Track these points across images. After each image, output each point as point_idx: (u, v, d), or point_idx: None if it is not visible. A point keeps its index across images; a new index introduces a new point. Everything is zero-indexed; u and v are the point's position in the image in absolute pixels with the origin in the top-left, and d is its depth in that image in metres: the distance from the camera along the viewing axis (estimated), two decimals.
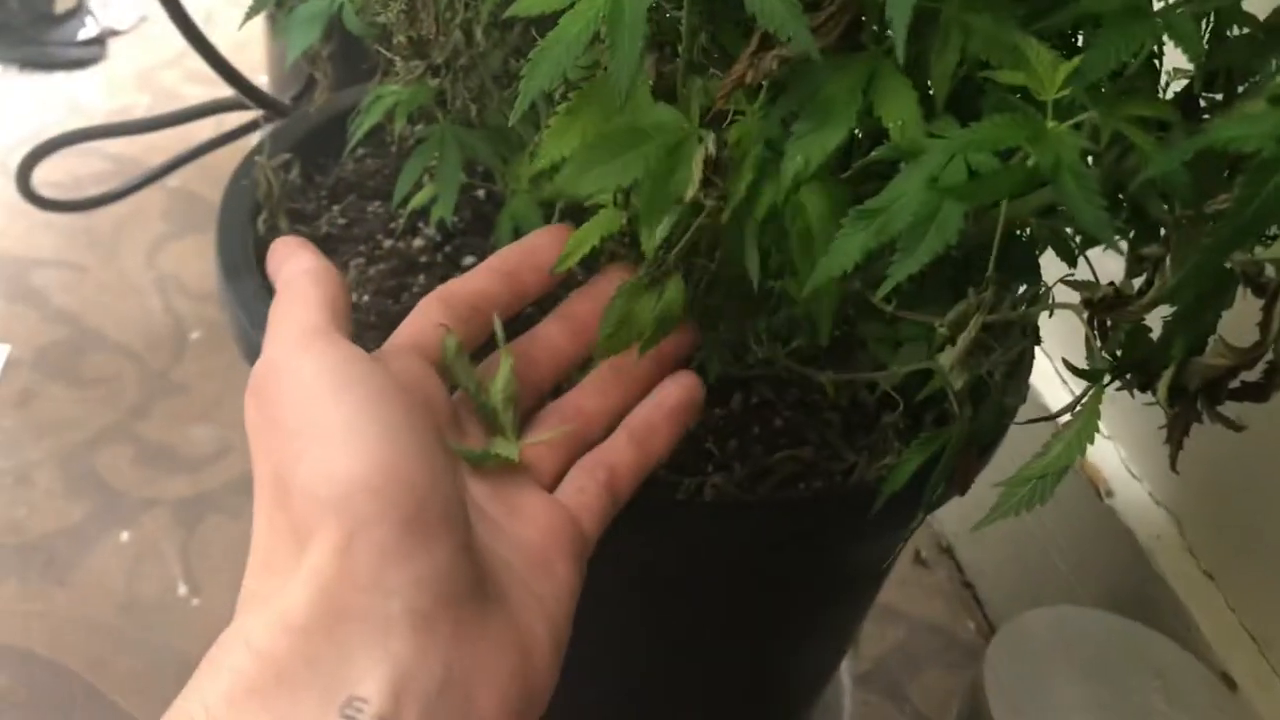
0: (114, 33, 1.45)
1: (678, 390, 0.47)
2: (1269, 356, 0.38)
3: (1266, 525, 0.76)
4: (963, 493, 0.48)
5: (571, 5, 0.40)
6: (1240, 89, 0.41)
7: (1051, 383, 0.88)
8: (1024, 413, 0.51)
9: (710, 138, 0.41)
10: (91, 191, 1.18)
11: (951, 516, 1.04)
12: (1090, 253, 0.46)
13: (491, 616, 0.36)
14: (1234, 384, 0.40)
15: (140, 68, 1.43)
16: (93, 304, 1.09)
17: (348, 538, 0.33)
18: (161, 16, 0.75)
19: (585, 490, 0.44)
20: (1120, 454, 0.86)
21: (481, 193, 0.70)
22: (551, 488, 0.44)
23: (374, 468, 0.33)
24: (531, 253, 0.48)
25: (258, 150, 0.66)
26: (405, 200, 0.59)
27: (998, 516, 0.43)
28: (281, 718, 0.30)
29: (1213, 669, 0.74)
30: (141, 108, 1.37)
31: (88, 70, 1.41)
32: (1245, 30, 0.40)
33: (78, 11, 1.40)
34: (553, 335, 0.47)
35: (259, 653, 0.31)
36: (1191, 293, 0.34)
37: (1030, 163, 0.33)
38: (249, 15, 0.55)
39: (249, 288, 0.58)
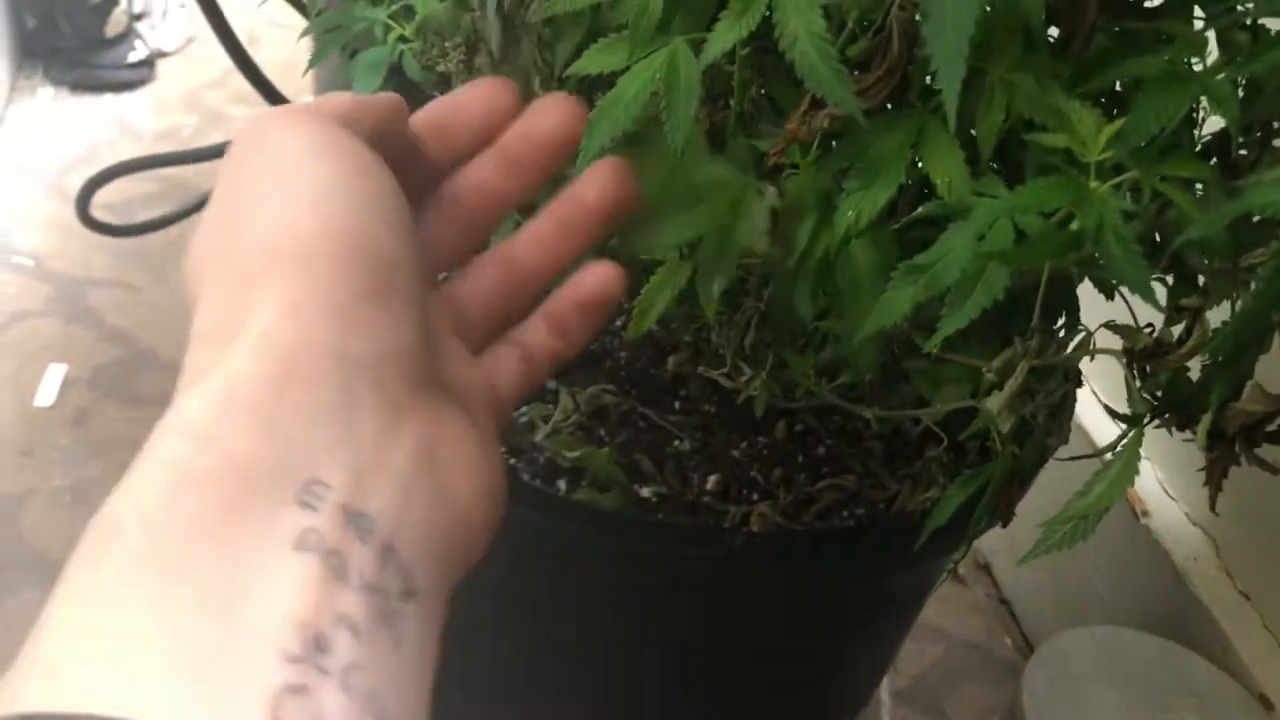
0: (162, 54, 1.48)
1: (593, 282, 0.40)
2: None
3: None
4: (1005, 524, 0.50)
5: (628, 67, 0.42)
6: (1276, 142, 0.42)
7: (1093, 409, 0.90)
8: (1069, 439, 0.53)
9: (771, 191, 0.42)
10: (141, 212, 1.21)
11: (990, 534, 1.05)
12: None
13: (450, 409, 0.31)
14: (1271, 428, 0.42)
15: (188, 89, 1.46)
16: (146, 323, 1.12)
17: (307, 296, 0.28)
18: (208, 38, 0.77)
19: (504, 365, 0.38)
20: (1158, 475, 0.87)
21: None
22: (476, 348, 0.38)
23: (343, 230, 0.29)
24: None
25: None
26: None
27: (1041, 552, 0.45)
28: (229, 509, 0.25)
29: (1250, 690, 0.75)
30: (189, 128, 1.40)
31: (137, 91, 1.44)
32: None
33: (127, 35, 1.43)
34: (484, 172, 0.40)
35: (199, 436, 0.26)
36: (1253, 344, 0.36)
37: (1074, 226, 0.34)
38: (311, 65, 0.57)
39: None
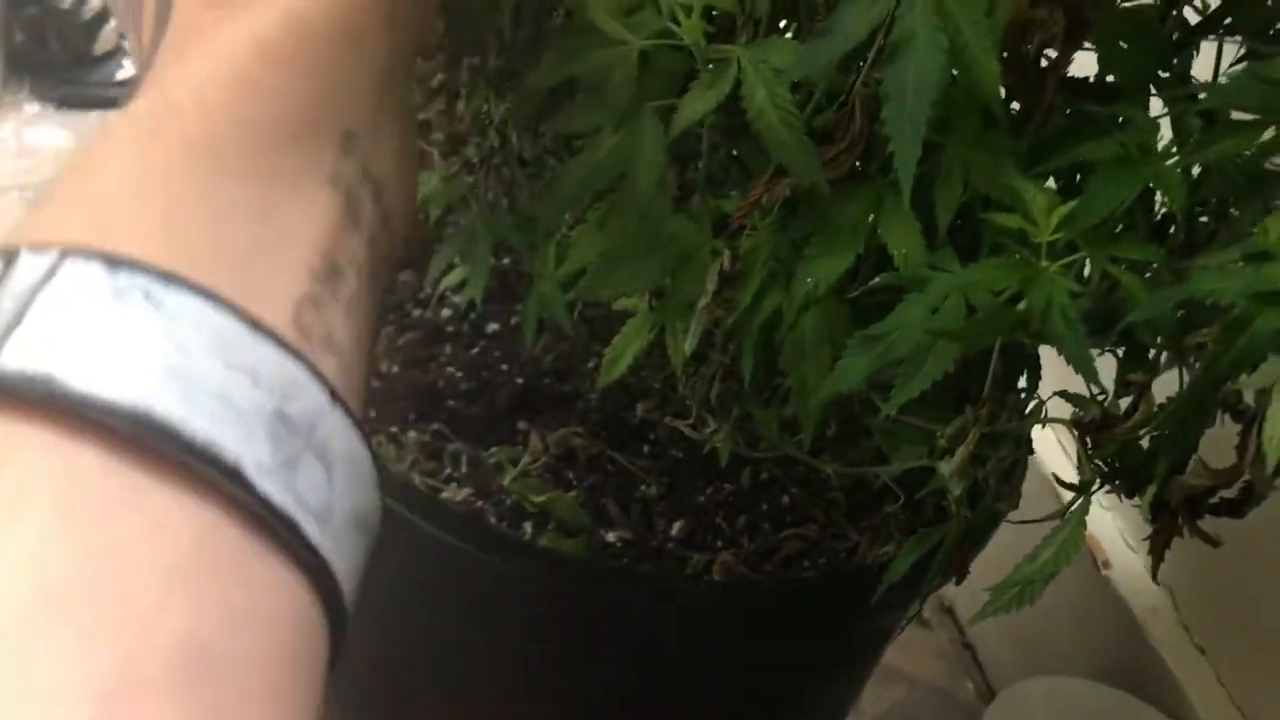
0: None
1: None
2: (1245, 477, 0.41)
3: (1259, 602, 0.78)
4: (959, 581, 0.51)
5: (597, 130, 0.43)
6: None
7: (1055, 450, 0.91)
8: (1030, 485, 0.54)
9: (725, 253, 0.44)
10: None
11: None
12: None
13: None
14: (1212, 500, 0.43)
15: None
16: None
17: None
18: None
19: None
20: (1118, 526, 0.88)
21: (507, 260, 0.73)
22: None
23: None
24: None
25: None
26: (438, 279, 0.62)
27: (988, 614, 0.46)
28: (285, 129, 0.28)
29: None
30: None
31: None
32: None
33: (116, 53, 1.43)
34: None
35: (273, 59, 0.28)
36: (1196, 423, 0.37)
37: (1022, 305, 0.36)
38: None
39: None
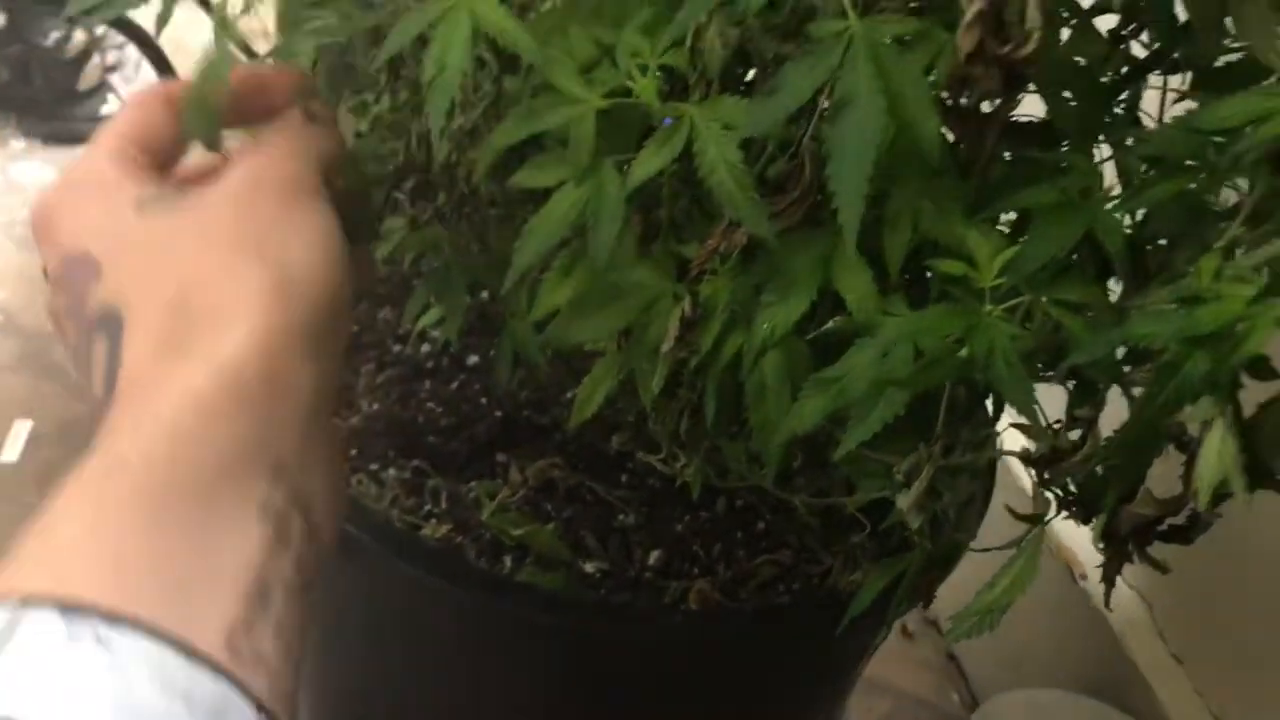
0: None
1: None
2: (1191, 505, 0.42)
3: (1234, 611, 0.80)
4: (926, 606, 0.52)
5: (560, 185, 0.44)
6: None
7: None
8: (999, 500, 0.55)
9: (686, 299, 0.45)
10: None
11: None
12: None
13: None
14: (1161, 528, 0.44)
15: None
16: None
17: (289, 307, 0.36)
18: None
19: None
20: (1094, 539, 0.90)
21: (486, 295, 0.74)
22: None
23: (302, 279, 0.38)
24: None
25: None
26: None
27: (952, 639, 0.47)
28: (220, 471, 0.33)
29: None
30: None
31: None
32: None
33: (101, 88, 1.45)
34: None
35: (207, 412, 0.33)
36: (1135, 460, 0.38)
37: (964, 352, 0.37)
38: None
39: None
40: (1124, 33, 0.49)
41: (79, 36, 1.38)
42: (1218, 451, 0.35)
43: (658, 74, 0.43)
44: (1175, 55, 0.48)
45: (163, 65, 0.75)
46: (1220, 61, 0.44)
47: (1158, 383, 0.34)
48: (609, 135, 0.45)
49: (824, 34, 0.38)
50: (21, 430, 1.08)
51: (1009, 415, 0.49)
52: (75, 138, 1.43)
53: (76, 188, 0.40)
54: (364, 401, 0.68)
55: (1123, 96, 0.50)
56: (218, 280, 0.36)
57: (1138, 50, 0.47)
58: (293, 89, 0.45)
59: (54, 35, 1.37)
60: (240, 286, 0.36)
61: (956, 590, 0.53)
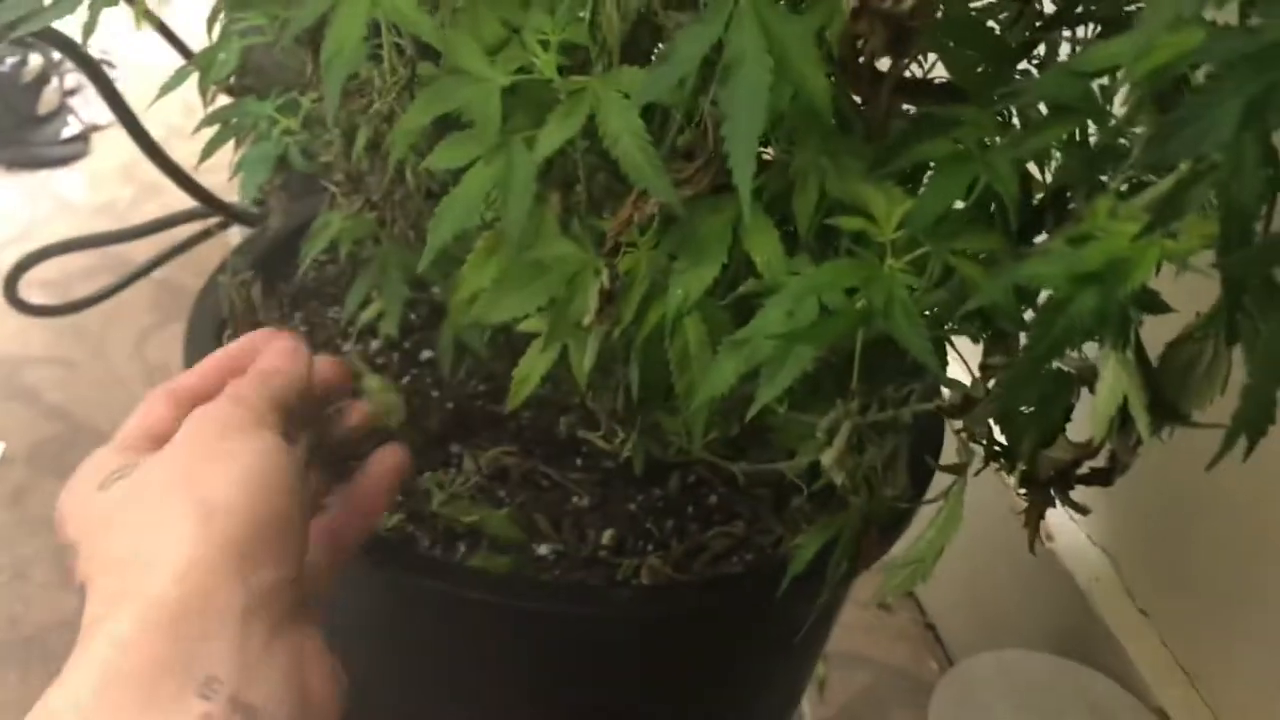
0: (96, 128, 1.51)
1: (383, 469, 0.53)
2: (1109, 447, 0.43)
3: (1198, 563, 0.81)
4: (863, 569, 0.53)
5: (470, 165, 0.45)
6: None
7: None
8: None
9: (605, 271, 0.46)
10: (79, 286, 1.24)
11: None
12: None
13: (312, 625, 0.43)
14: (1082, 471, 0.45)
15: (123, 161, 1.49)
16: (83, 399, 1.14)
17: (219, 539, 0.39)
18: (141, 111, 0.79)
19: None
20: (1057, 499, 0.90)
21: (437, 289, 0.75)
22: None
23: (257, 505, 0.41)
24: (248, 355, 0.51)
25: (221, 270, 0.71)
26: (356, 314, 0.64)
27: (888, 594, 0.48)
28: (146, 700, 0.35)
29: (1148, 704, 0.78)
30: (125, 200, 1.43)
31: (72, 166, 1.47)
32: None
33: (60, 111, 1.45)
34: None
35: (125, 644, 0.36)
36: (1019, 400, 0.39)
37: (860, 304, 0.38)
38: (202, 159, 0.60)
39: None
40: None
41: (35, 61, 1.39)
42: (1111, 387, 0.36)
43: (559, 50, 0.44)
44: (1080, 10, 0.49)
45: (100, 80, 0.75)
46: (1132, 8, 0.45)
47: (1044, 322, 0.35)
48: (518, 113, 0.45)
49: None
50: None
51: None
52: (37, 162, 1.44)
53: (69, 487, 0.44)
54: None
55: (1039, 51, 0.51)
56: (149, 529, 0.39)
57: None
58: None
59: (9, 61, 1.37)
60: (167, 530, 0.39)
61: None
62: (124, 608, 0.37)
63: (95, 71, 0.73)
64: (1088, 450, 0.43)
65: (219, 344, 0.69)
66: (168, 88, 0.59)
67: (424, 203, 0.58)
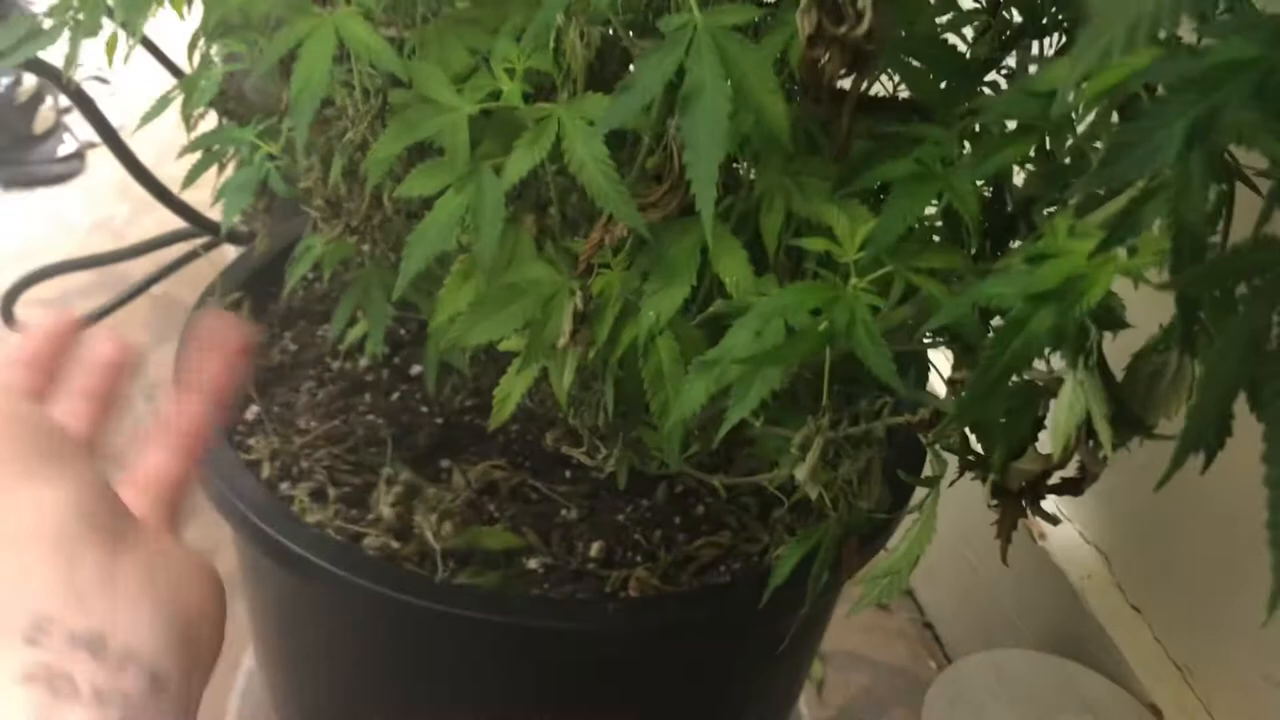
0: (92, 145, 1.51)
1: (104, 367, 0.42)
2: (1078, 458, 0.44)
3: (1189, 558, 0.81)
4: (846, 579, 0.54)
5: (442, 192, 0.46)
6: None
7: None
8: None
9: (578, 293, 0.46)
10: (78, 303, 1.25)
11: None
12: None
13: (156, 541, 0.36)
14: (1052, 481, 0.45)
15: (119, 177, 1.48)
16: None
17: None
18: (129, 133, 0.80)
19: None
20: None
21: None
22: None
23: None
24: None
25: (210, 292, 0.72)
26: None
27: (862, 608, 0.49)
28: None
29: (1140, 700, 0.79)
30: (121, 217, 1.44)
31: (68, 184, 1.48)
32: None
33: (56, 129, 1.46)
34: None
35: None
36: (979, 415, 0.39)
37: (824, 326, 0.38)
38: (185, 185, 0.61)
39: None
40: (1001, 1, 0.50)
41: (29, 81, 1.40)
42: (1069, 404, 0.36)
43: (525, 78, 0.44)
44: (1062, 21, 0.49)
45: (87, 106, 0.76)
46: None
47: (1000, 341, 0.35)
48: (487, 140, 0.46)
49: (671, 28, 0.39)
50: None
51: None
52: (33, 180, 1.45)
53: None
54: (303, 419, 0.69)
55: (1008, 62, 0.52)
56: None
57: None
58: None
59: (4, 81, 1.38)
60: None
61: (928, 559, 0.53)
62: None
63: (81, 98, 0.73)
64: (1053, 462, 0.44)
65: None
66: (149, 117, 0.60)
67: (403, 224, 0.59)
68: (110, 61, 0.58)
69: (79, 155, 1.49)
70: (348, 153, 0.51)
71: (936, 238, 0.43)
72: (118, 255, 0.98)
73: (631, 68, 0.48)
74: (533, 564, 0.64)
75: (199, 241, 0.90)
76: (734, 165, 0.46)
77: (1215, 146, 0.32)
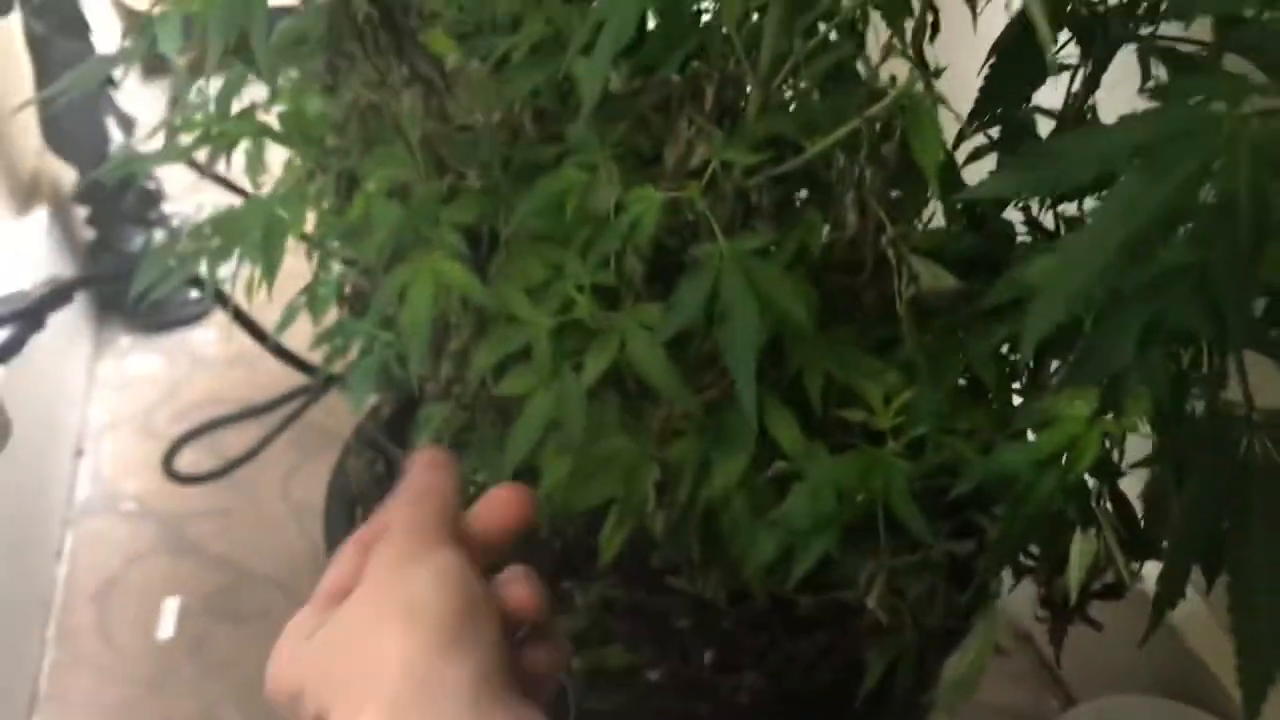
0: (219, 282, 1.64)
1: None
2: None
3: None
4: (930, 684, 0.59)
5: (534, 390, 0.53)
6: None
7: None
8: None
9: (654, 468, 0.53)
10: (225, 438, 1.37)
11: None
12: None
13: (530, 709, 0.42)
14: (1096, 588, 0.51)
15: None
16: (242, 545, 1.26)
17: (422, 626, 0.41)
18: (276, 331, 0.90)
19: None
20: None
21: None
22: None
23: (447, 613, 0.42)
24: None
25: (347, 450, 0.81)
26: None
27: (943, 707, 0.55)
28: None
29: None
30: (254, 350, 1.56)
31: (203, 322, 1.61)
32: None
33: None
34: None
35: None
36: (1005, 563, 0.45)
37: (860, 498, 0.45)
38: (324, 370, 0.70)
39: None
40: None
41: (159, 237, 1.53)
42: (1080, 550, 0.42)
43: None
44: None
45: (219, 296, 0.86)
46: None
47: (1012, 512, 0.41)
48: (565, 341, 0.53)
49: (702, 256, 0.46)
50: (171, 607, 1.20)
51: None
52: (172, 323, 1.58)
53: (276, 649, 0.47)
54: None
55: None
56: (365, 645, 0.42)
57: None
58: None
59: (138, 240, 1.52)
60: (381, 638, 0.42)
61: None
62: (367, 712, 0.39)
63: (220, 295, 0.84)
64: (1092, 575, 0.49)
65: (353, 524, 0.79)
66: (281, 328, 0.69)
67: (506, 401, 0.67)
68: (251, 298, 0.67)
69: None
70: (453, 360, 0.59)
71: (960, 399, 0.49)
72: (266, 407, 1.09)
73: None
74: (653, 675, 0.71)
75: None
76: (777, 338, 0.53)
77: (1165, 344, 0.38)
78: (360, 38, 0.50)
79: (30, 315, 0.85)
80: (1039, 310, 0.34)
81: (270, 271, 0.61)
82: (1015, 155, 0.37)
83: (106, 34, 1.50)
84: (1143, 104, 0.38)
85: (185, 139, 0.67)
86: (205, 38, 0.48)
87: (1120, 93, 0.51)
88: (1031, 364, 0.50)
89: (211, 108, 0.67)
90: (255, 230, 0.59)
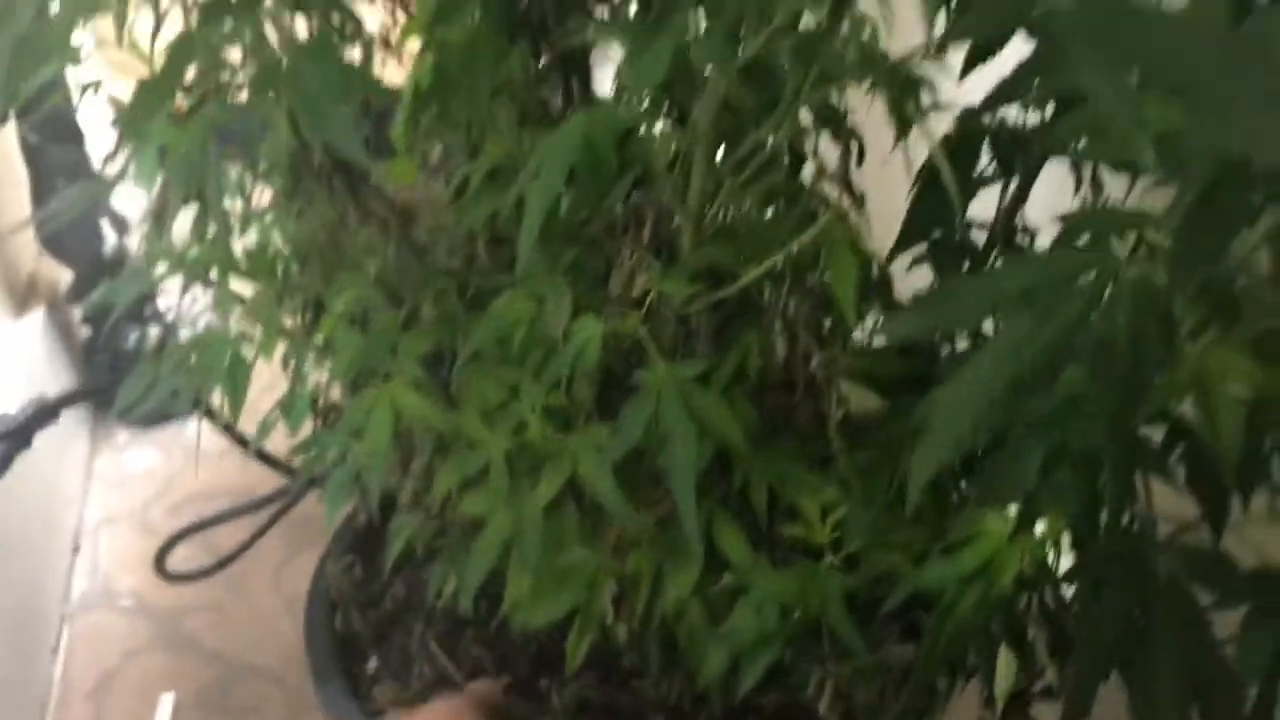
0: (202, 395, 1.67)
1: None
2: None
3: None
4: None
5: (493, 509, 0.55)
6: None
7: None
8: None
9: (611, 584, 0.55)
10: (216, 535, 1.39)
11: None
12: None
13: None
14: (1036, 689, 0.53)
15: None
16: (234, 639, 1.28)
17: None
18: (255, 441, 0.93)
19: None
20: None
21: None
22: None
23: None
24: None
25: (326, 555, 0.83)
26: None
27: None
28: None
29: None
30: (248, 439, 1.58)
31: (195, 415, 1.64)
32: None
33: None
34: None
35: None
36: (932, 677, 0.47)
37: (797, 614, 0.47)
38: (305, 475, 0.72)
39: (335, 690, 0.74)
40: None
41: (153, 334, 1.56)
42: (1005, 663, 0.44)
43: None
44: None
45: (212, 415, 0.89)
46: None
47: (937, 629, 0.43)
48: (521, 460, 0.56)
49: (643, 382, 0.49)
50: (167, 702, 1.22)
51: None
52: (165, 416, 1.61)
53: None
54: (417, 666, 0.79)
55: None
56: None
57: None
58: None
59: (133, 337, 1.55)
60: None
61: None
62: None
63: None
64: (1034, 675, 0.51)
65: (333, 628, 0.81)
66: (261, 435, 0.72)
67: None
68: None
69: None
70: (416, 480, 0.61)
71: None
72: (252, 505, 1.10)
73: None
74: None
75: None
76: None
77: (1067, 469, 0.40)
78: (318, 179, 0.53)
79: (17, 435, 0.88)
80: (924, 453, 0.36)
81: (236, 404, 0.64)
82: (919, 298, 0.39)
83: (101, 128, 1.55)
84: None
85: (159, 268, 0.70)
86: (169, 187, 0.51)
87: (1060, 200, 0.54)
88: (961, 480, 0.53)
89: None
90: (223, 361, 0.62)
